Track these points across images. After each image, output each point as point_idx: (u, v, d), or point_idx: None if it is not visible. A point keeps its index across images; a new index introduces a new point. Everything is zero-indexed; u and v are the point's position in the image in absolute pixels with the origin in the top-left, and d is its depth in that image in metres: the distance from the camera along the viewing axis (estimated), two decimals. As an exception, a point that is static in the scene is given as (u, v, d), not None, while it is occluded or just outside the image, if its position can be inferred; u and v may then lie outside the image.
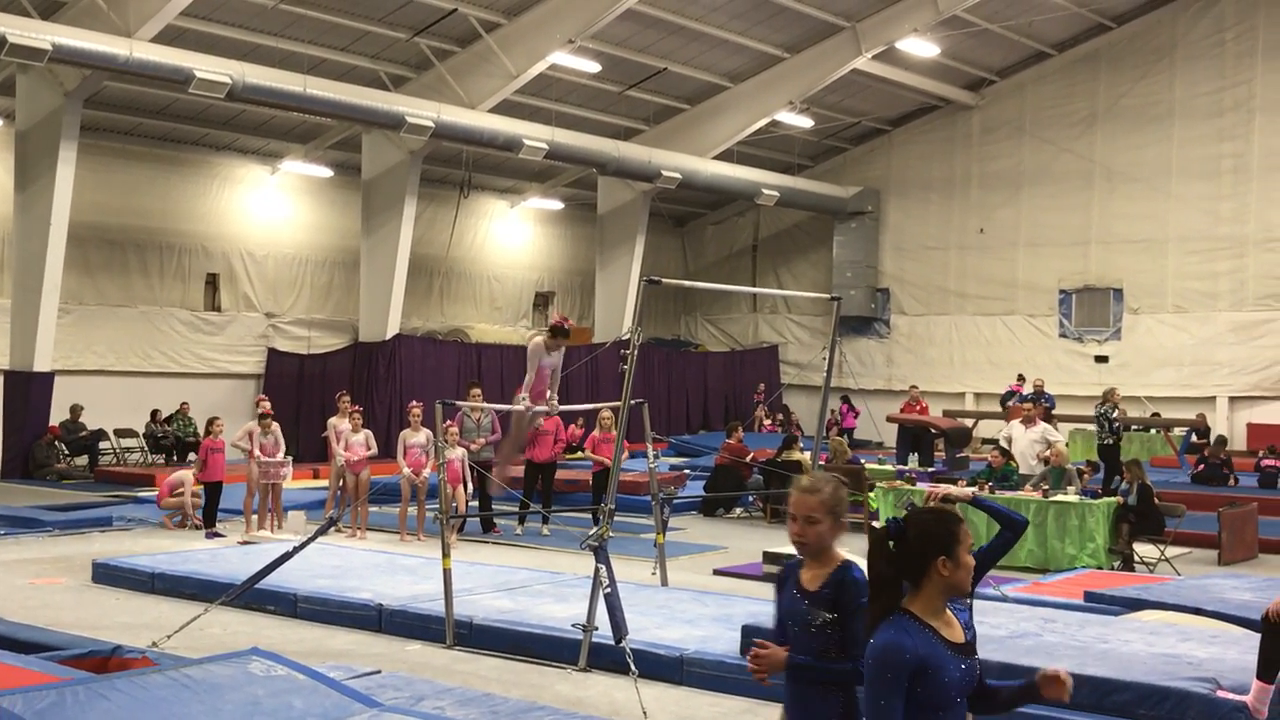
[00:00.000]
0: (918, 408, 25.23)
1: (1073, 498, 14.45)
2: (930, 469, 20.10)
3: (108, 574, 12.26)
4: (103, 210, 23.36)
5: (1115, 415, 19.35)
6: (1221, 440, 22.93)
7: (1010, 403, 26.33)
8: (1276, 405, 26.62)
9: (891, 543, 3.62)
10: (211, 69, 19.07)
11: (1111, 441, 19.06)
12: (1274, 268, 26.87)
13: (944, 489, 4.72)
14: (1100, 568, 13.57)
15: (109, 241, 23.78)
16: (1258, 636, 7.72)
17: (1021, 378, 27.16)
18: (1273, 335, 26.91)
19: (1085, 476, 16.04)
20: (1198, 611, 10.07)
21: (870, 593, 3.66)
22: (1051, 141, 29.53)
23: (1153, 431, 26.39)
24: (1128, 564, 14.04)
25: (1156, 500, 14.41)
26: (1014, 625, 8.96)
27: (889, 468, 19.50)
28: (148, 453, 23.24)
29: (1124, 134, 28.64)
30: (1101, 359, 29.04)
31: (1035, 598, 11.17)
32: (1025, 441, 16.16)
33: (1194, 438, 25.48)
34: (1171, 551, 14.45)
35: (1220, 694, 7.14)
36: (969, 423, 25.07)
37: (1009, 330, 30.30)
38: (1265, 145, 26.94)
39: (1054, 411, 24.55)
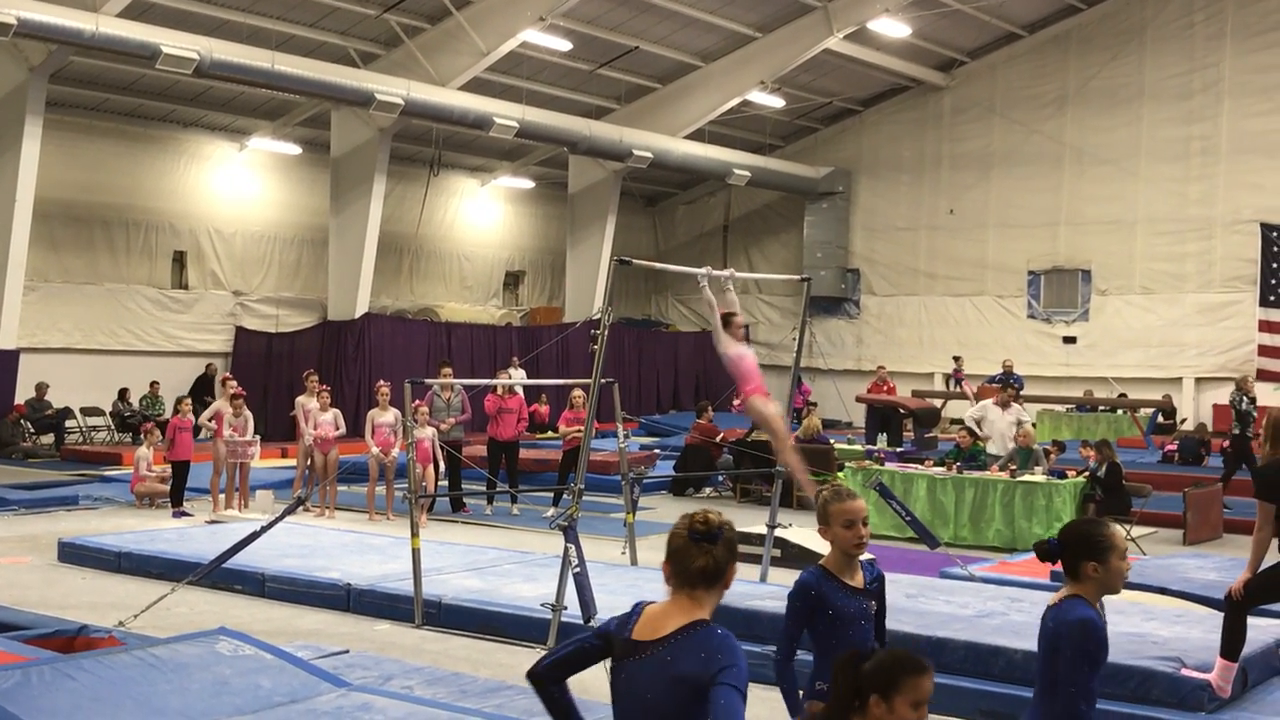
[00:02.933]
0: (885, 388, 25.32)
1: (1040, 478, 14.54)
2: (899, 449, 20.21)
3: (74, 553, 12.20)
4: (69, 187, 23.14)
5: (1246, 405, 18.63)
6: (1201, 427, 23.20)
7: (953, 385, 26.50)
8: (1242, 386, 26.79)
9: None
10: (178, 44, 18.89)
11: (1239, 430, 18.00)
12: (1241, 250, 27.03)
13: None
14: (1067, 547, 13.64)
15: (75, 218, 23.56)
16: (1221, 616, 7.79)
17: (957, 358, 27.32)
18: (1239, 317, 27.09)
19: (1052, 456, 16.14)
20: (1163, 591, 10.16)
21: None
22: (1021, 123, 29.61)
23: (1119, 412, 26.58)
24: (1094, 544, 14.11)
25: (1124, 480, 14.52)
26: (981, 604, 9.02)
27: (858, 447, 19.58)
28: (114, 431, 23.11)
29: (1093, 116, 28.75)
30: (1069, 340, 29.20)
31: (1002, 577, 11.26)
32: (1004, 423, 16.08)
33: (1160, 418, 25.68)
34: (1137, 531, 14.56)
35: (1184, 673, 7.20)
36: (937, 403, 25.19)
37: (978, 311, 30.41)
38: (1233, 128, 27.08)
39: (1023, 392, 24.71)
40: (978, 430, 16.13)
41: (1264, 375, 26.56)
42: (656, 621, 3.42)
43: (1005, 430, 16.01)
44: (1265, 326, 26.72)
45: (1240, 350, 27.02)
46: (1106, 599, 4.24)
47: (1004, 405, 16.31)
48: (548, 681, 3.60)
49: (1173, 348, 27.82)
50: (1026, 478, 14.54)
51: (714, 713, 3.19)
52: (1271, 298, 26.65)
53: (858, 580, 4.56)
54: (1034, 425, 17.71)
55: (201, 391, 22.88)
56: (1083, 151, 28.84)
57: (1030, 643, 7.72)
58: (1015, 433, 15.89)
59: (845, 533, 4.55)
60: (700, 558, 3.39)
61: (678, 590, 3.43)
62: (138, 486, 16.15)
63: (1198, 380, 27.48)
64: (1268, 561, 7.34)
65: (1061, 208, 29.28)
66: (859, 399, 24.14)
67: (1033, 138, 29.44)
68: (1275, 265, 26.63)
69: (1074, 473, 14.80)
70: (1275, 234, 26.56)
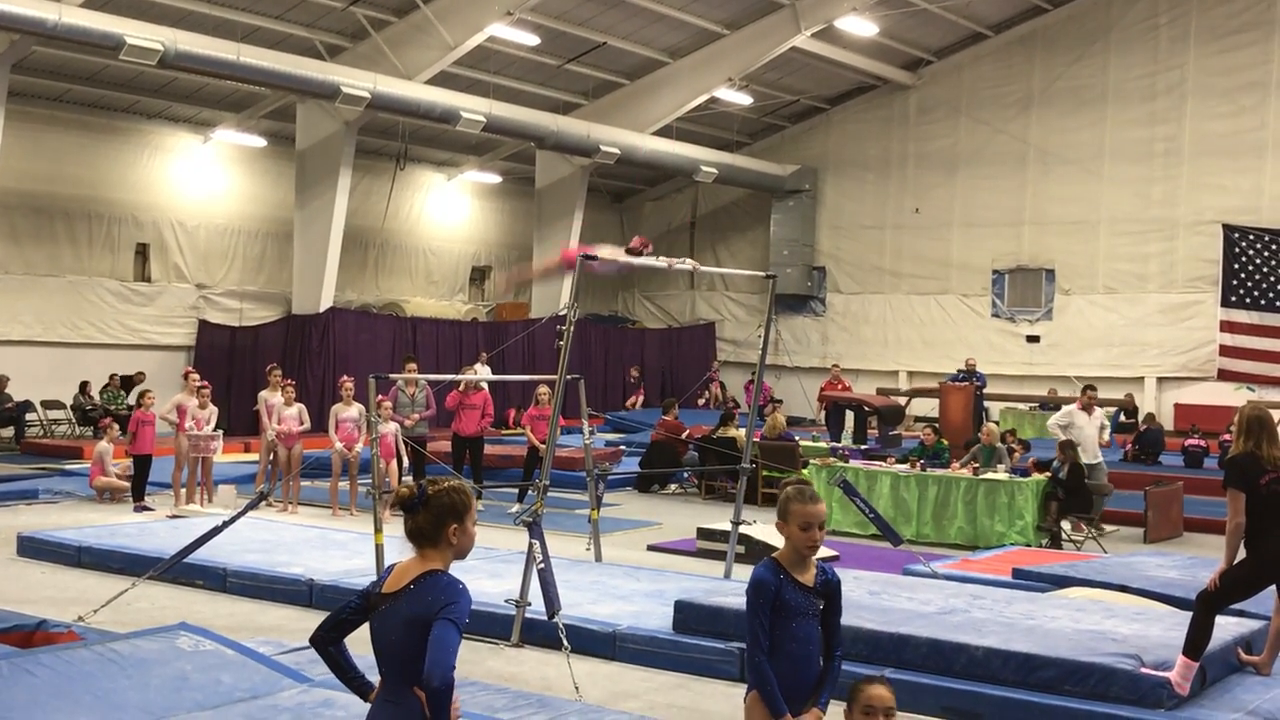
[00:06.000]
0: (840, 386, 25.38)
1: (1002, 476, 14.61)
2: (863, 446, 20.29)
3: (34, 547, 12.10)
4: (30, 178, 22.93)
5: None
6: (1150, 416, 23.43)
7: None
8: (1203, 386, 27.04)
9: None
10: (143, 35, 18.73)
11: None
12: (1203, 250, 27.24)
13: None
14: (1029, 545, 13.75)
15: (36, 210, 23.34)
16: (1181, 614, 7.86)
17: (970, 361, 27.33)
18: (1200, 317, 27.31)
19: (1015, 454, 16.22)
20: (1123, 589, 10.23)
21: None
22: (987, 122, 29.75)
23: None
24: (1055, 541, 14.23)
25: (1086, 479, 14.61)
26: (943, 601, 9.06)
27: (822, 445, 19.64)
28: (75, 425, 22.93)
29: (1058, 116, 28.91)
30: (1033, 339, 29.37)
31: (964, 574, 11.31)
32: (1092, 429, 15.30)
33: (1122, 417, 25.88)
34: (1098, 529, 14.69)
35: (1143, 671, 7.25)
36: (902, 401, 25.29)
37: (943, 309, 30.54)
38: (1196, 130, 27.29)
39: (986, 391, 24.86)
40: (1060, 436, 15.06)
41: (1225, 375, 26.83)
42: (400, 575, 3.99)
43: (1093, 435, 15.23)
44: (1226, 327, 26.96)
45: (1202, 350, 27.25)
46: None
47: (1088, 409, 15.49)
48: (326, 643, 4.14)
49: (1135, 347, 28.03)
50: (989, 476, 14.61)
51: (429, 642, 3.74)
52: (1233, 298, 26.89)
53: (808, 578, 4.64)
54: (997, 423, 17.77)
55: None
56: (1047, 152, 29.01)
57: (993, 640, 7.79)
58: (1100, 437, 15.29)
59: (801, 534, 4.62)
60: (408, 522, 4.00)
61: (414, 549, 4.02)
62: (96, 481, 16.03)
63: (1159, 380, 27.70)
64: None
65: (1026, 207, 29.44)
66: (819, 397, 24.23)
67: (998, 137, 29.59)
68: (1236, 266, 26.87)
69: (1035, 471, 14.87)
70: (1237, 235, 26.80)
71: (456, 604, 3.87)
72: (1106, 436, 15.54)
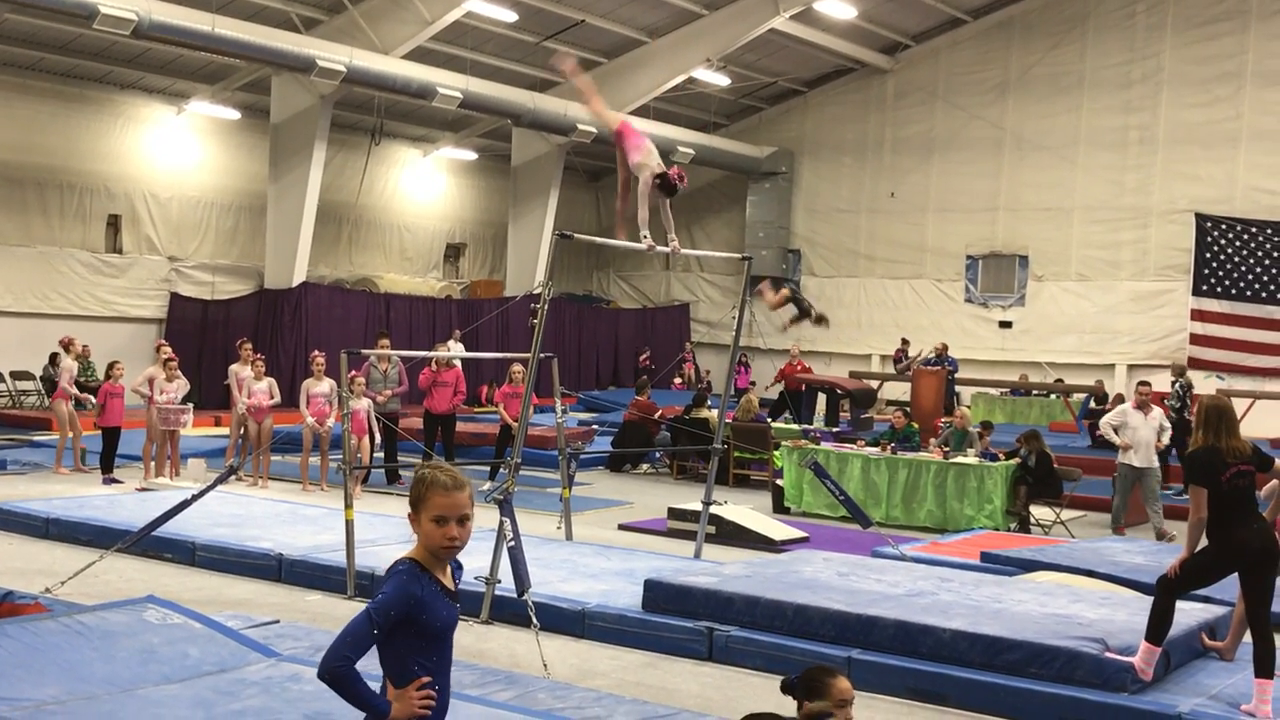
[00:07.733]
0: (798, 366, 25.45)
1: (972, 459, 14.68)
2: (835, 428, 20.35)
3: (1, 518, 12.03)
4: (1, 147, 22.72)
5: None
6: (1119, 396, 23.57)
7: (899, 366, 26.60)
8: (1172, 374, 27.18)
9: None
10: (116, 5, 18.53)
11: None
12: (1175, 239, 27.39)
13: None
14: (997, 529, 13.83)
15: (7, 179, 23.12)
16: (1147, 599, 7.91)
17: (905, 341, 27.47)
18: (1171, 305, 27.47)
19: (985, 438, 16.28)
20: (1090, 573, 10.31)
21: None
22: (963, 108, 29.80)
23: (1052, 397, 26.91)
24: (1024, 526, 14.31)
25: (1055, 465, 14.69)
26: (911, 584, 9.11)
27: (794, 427, 19.69)
28: (44, 396, 22.76)
29: (1034, 102, 28.98)
30: (1005, 324, 29.50)
31: (933, 557, 11.38)
32: (1147, 430, 13.89)
33: (1092, 404, 26.02)
34: (1067, 514, 14.77)
35: (1108, 655, 7.30)
36: (874, 384, 25.38)
37: (916, 294, 30.64)
38: (1171, 118, 27.40)
39: (958, 375, 24.98)
40: (1114, 438, 14.13)
41: (1195, 364, 26.98)
42: None
43: (1149, 438, 13.85)
44: (1197, 315, 27.13)
45: (1172, 338, 27.41)
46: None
47: (1144, 407, 14.02)
48: None
49: (1106, 334, 28.18)
50: (959, 459, 14.68)
51: None
52: (1204, 287, 27.06)
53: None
54: (969, 407, 17.83)
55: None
56: (1022, 138, 29.09)
57: (960, 623, 7.84)
58: (1156, 440, 13.95)
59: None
60: None
61: None
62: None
63: (1130, 367, 27.84)
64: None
65: (1000, 193, 29.53)
66: (778, 376, 24.33)
67: (974, 123, 29.65)
68: (1208, 255, 27.03)
69: (1004, 455, 14.93)
70: (1209, 224, 26.96)
71: (382, 593, 3.73)
72: (1165, 439, 14.36)
